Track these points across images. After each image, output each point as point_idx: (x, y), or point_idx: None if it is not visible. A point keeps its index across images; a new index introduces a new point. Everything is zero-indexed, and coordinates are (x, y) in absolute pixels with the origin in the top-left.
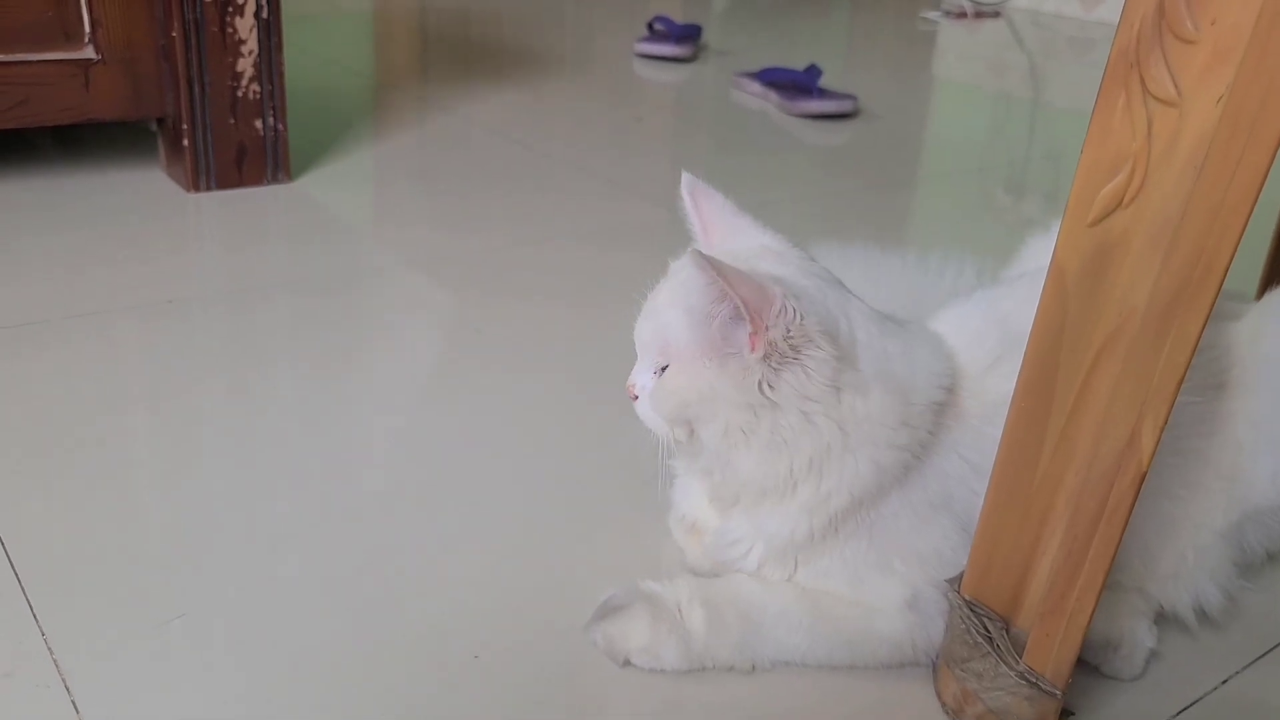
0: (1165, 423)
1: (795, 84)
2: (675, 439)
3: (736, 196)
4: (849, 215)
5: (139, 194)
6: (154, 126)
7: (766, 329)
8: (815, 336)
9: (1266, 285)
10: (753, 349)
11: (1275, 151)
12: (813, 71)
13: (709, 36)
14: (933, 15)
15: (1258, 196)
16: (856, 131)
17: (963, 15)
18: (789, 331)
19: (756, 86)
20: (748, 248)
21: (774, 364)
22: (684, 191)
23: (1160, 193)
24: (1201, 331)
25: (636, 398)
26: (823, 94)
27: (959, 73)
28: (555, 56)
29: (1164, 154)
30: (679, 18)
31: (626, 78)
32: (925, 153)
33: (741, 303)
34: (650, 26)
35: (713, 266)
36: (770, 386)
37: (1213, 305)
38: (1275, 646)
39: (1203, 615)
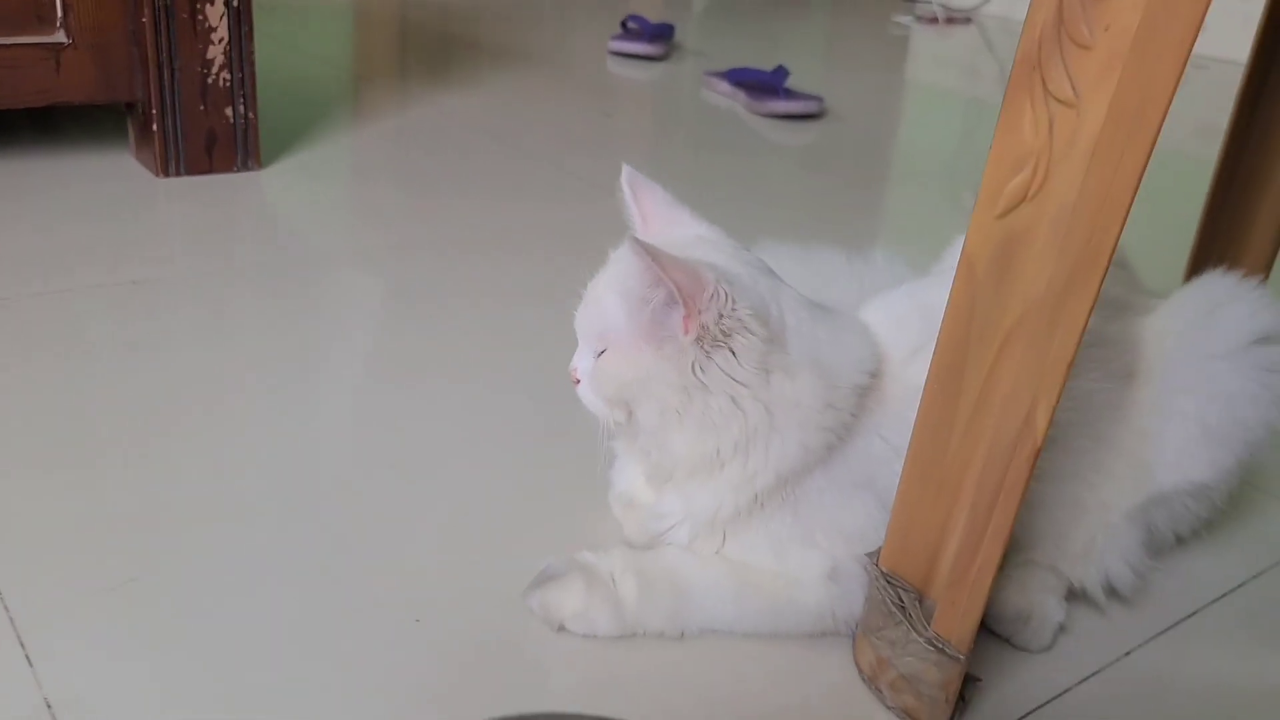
0: (1056, 404)
1: (762, 84)
2: (615, 420)
3: (701, 193)
4: (812, 213)
5: (108, 178)
6: (125, 109)
7: (699, 312)
8: (746, 320)
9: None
10: (685, 332)
11: (1151, 149)
12: (780, 72)
13: (685, 36)
14: (905, 20)
15: (1135, 191)
16: (822, 132)
17: (934, 20)
18: (721, 315)
19: (725, 86)
20: (684, 237)
21: (706, 347)
22: (623, 183)
23: (1060, 188)
24: (1088, 319)
25: (578, 381)
26: (789, 94)
27: (929, 77)
28: (530, 52)
29: (1064, 151)
30: (654, 16)
31: (599, 75)
32: (891, 154)
33: (675, 287)
34: (624, 25)
35: (648, 252)
36: (702, 369)
37: (1098, 293)
38: (1178, 622)
39: (1112, 592)
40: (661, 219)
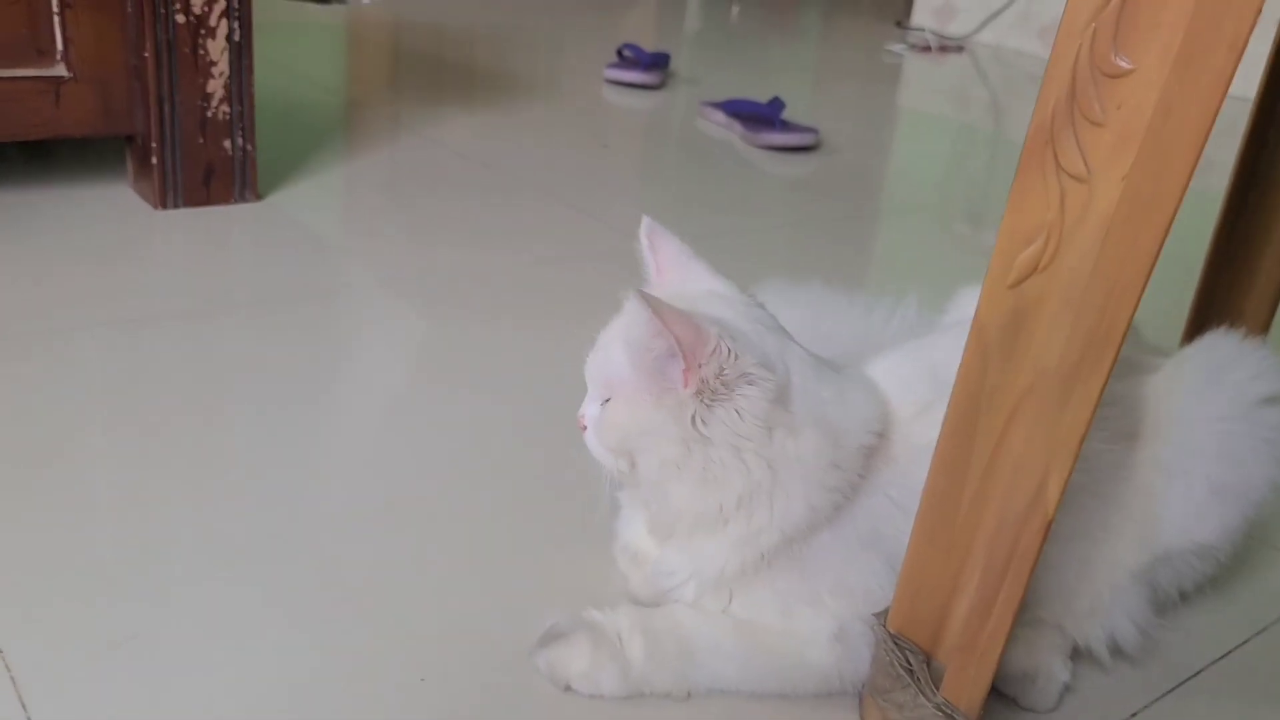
0: (1069, 475)
1: (758, 116)
2: (619, 470)
3: (698, 226)
4: (809, 246)
5: (106, 209)
6: (124, 142)
7: (700, 366)
8: (750, 376)
9: (1189, 341)
10: (685, 385)
11: (1168, 229)
12: (775, 104)
13: (678, 64)
14: (897, 48)
15: (1152, 269)
16: (818, 164)
17: (927, 49)
18: (722, 370)
19: (721, 116)
20: (696, 291)
21: (706, 401)
22: (642, 234)
23: (1072, 261)
24: (1102, 392)
25: (585, 428)
26: (785, 126)
27: (923, 105)
28: (526, 79)
29: (1075, 225)
30: (649, 45)
31: (595, 103)
32: (886, 185)
33: (675, 340)
34: (620, 53)
35: (650, 305)
36: (703, 422)
37: (1112, 368)
38: (1184, 681)
39: (1117, 651)
40: (677, 271)
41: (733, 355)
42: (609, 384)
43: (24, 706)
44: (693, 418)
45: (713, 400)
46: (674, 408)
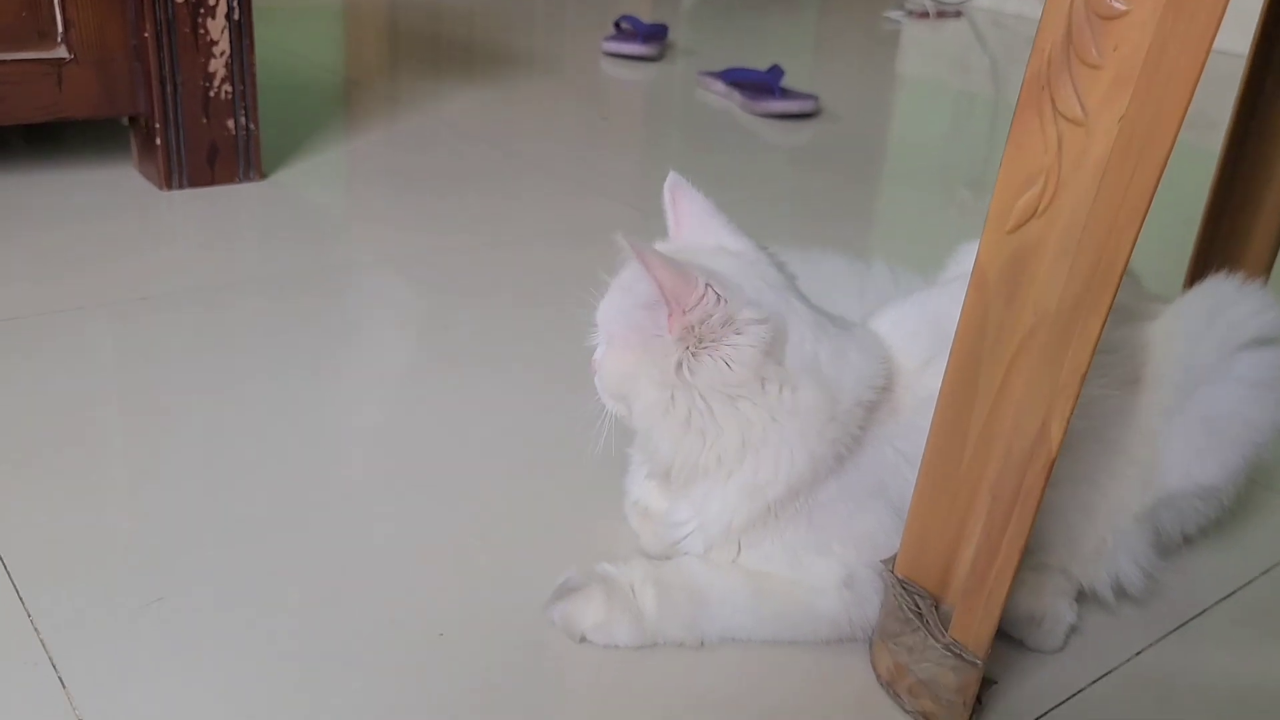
0: (1070, 415)
1: (758, 84)
2: (619, 413)
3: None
4: (810, 212)
5: (112, 192)
6: (126, 123)
7: (685, 312)
8: (737, 325)
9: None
10: (670, 330)
11: (1163, 168)
12: (775, 72)
13: (676, 35)
14: (895, 15)
15: (1147, 209)
16: (818, 131)
17: (925, 15)
18: (709, 317)
19: (720, 86)
20: (705, 245)
21: (692, 349)
22: (666, 188)
23: (1070, 204)
24: (1100, 332)
25: (595, 372)
26: (784, 94)
27: (921, 71)
28: (524, 54)
29: (1073, 168)
30: (647, 17)
31: (594, 76)
32: (886, 151)
33: (658, 285)
34: (617, 25)
35: (637, 251)
36: (690, 371)
37: (1110, 308)
38: (1186, 622)
39: (1121, 593)
40: (694, 227)
41: (721, 303)
42: (609, 329)
43: (55, 667)
44: (678, 364)
45: (698, 349)
46: (659, 353)
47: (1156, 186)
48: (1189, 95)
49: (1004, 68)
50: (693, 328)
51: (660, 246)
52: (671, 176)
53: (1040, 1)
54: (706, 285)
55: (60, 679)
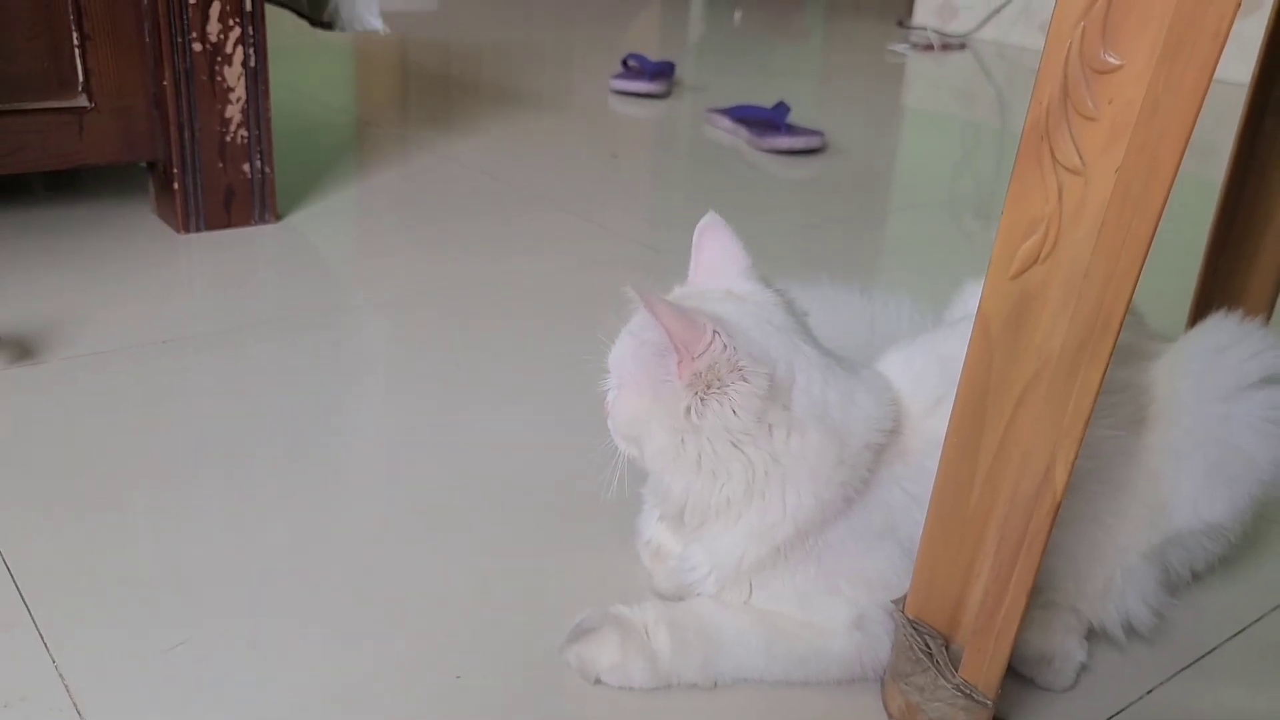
0: (1075, 458)
1: (764, 120)
2: (631, 455)
3: None
4: (819, 246)
5: (131, 235)
6: (145, 166)
7: (694, 359)
8: (743, 372)
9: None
10: (679, 377)
11: (1159, 216)
12: (780, 109)
13: (683, 72)
14: (900, 47)
15: (1145, 256)
16: (824, 165)
17: (929, 47)
18: (715, 364)
19: (727, 122)
20: (714, 289)
21: (700, 394)
22: (697, 229)
23: (1071, 251)
24: (1103, 377)
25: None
26: (791, 130)
27: (927, 104)
28: (533, 93)
29: (1073, 216)
30: (654, 54)
31: (603, 114)
32: (893, 183)
33: (667, 332)
34: (625, 63)
35: (646, 301)
36: (697, 415)
37: (1112, 353)
38: (1197, 659)
39: (1131, 631)
40: (710, 271)
41: (727, 350)
42: (619, 373)
43: (79, 712)
44: (687, 409)
45: (706, 394)
46: (669, 398)
47: (1154, 234)
48: (1183, 145)
49: (1009, 98)
50: (700, 374)
51: (676, 289)
52: (707, 217)
53: (1044, 34)
54: (715, 333)
55: None
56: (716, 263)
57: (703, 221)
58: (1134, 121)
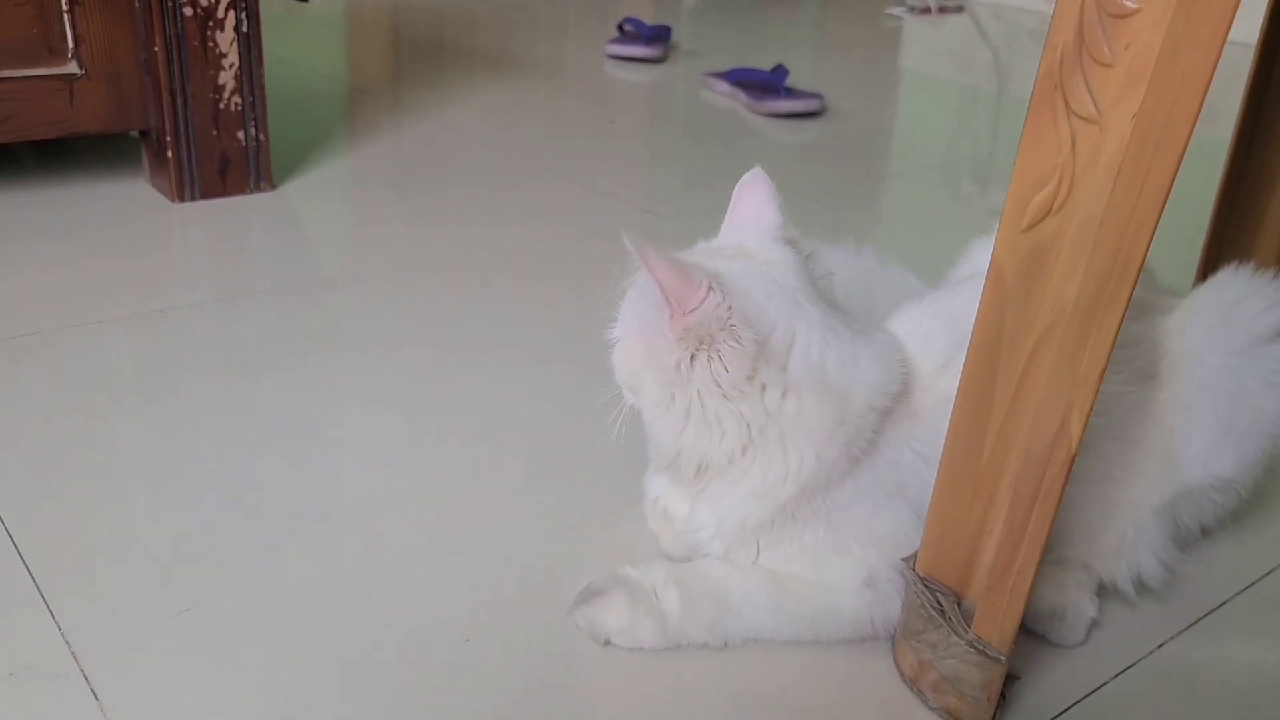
0: (1090, 410)
1: (762, 84)
2: (636, 405)
3: (707, 196)
4: (818, 210)
5: (125, 205)
6: (137, 136)
7: (686, 313)
8: (737, 330)
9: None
10: (670, 330)
11: (1179, 164)
12: (779, 71)
13: (678, 37)
14: (897, 11)
15: (1164, 205)
16: (824, 129)
17: (927, 10)
18: (706, 320)
19: (725, 86)
20: (728, 245)
21: (691, 348)
22: (739, 182)
23: (1085, 201)
24: (1120, 327)
25: None
26: (789, 93)
27: (925, 67)
28: (528, 58)
29: (1087, 166)
30: (649, 18)
31: (598, 79)
32: (892, 147)
33: (660, 285)
34: (620, 28)
35: (641, 253)
36: (689, 368)
37: (1129, 303)
38: (1207, 614)
39: (1142, 586)
40: (741, 227)
41: (721, 306)
42: (624, 323)
43: (87, 679)
44: (677, 363)
45: (698, 349)
46: (661, 351)
47: (1173, 182)
48: (1204, 90)
49: (1006, 61)
50: (691, 329)
51: (700, 243)
52: (751, 172)
53: None
54: (710, 289)
55: (93, 691)
56: (748, 220)
57: (745, 176)
58: (1152, 67)
